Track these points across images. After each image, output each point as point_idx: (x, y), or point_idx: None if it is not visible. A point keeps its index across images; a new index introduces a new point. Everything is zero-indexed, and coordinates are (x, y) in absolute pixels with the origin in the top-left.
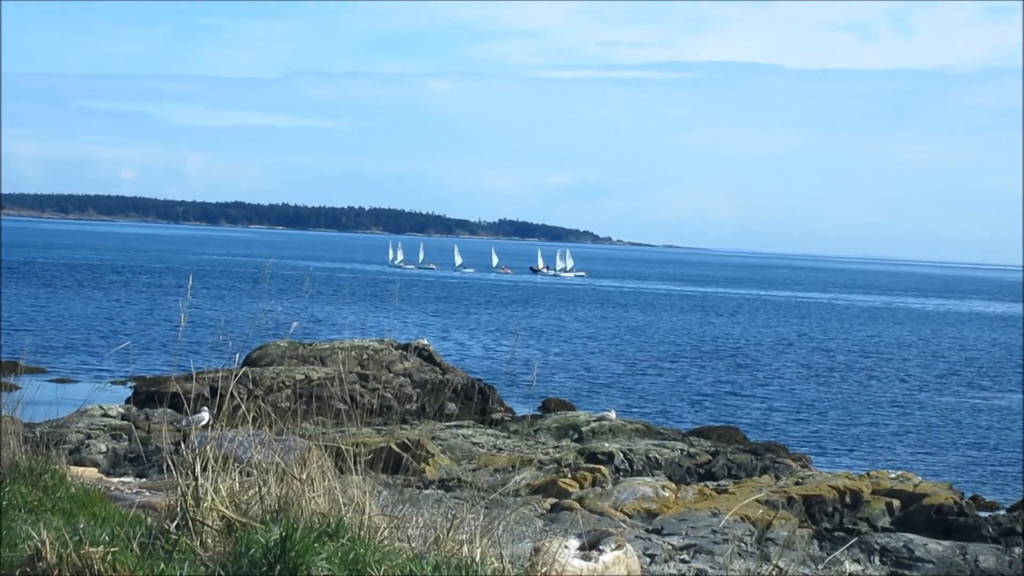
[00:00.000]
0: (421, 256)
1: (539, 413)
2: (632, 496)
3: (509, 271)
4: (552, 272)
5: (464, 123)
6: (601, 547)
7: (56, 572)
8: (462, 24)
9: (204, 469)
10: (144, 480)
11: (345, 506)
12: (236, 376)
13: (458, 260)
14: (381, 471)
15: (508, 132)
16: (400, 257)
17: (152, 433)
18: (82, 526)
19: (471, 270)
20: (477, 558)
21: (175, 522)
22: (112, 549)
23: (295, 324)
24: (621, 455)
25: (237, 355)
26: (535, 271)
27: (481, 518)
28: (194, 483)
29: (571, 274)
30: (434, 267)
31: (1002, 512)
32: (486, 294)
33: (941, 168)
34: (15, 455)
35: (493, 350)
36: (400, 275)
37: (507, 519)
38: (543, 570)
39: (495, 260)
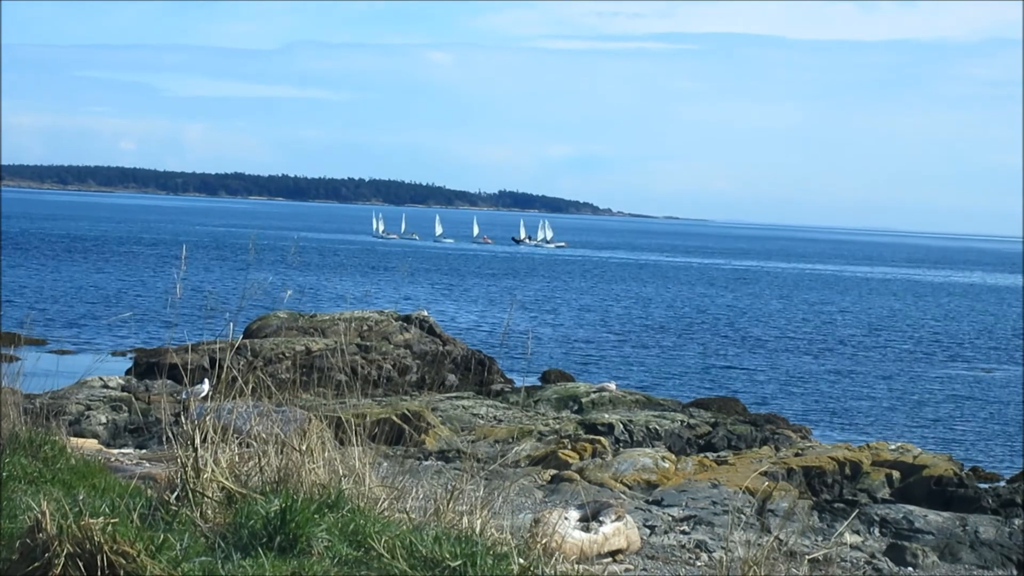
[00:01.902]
0: (403, 226)
1: (539, 384)
2: (632, 467)
3: (490, 241)
4: (534, 243)
5: (464, 94)
6: (601, 518)
7: (56, 543)
8: None
9: (204, 440)
10: (144, 451)
11: (345, 477)
12: (234, 347)
13: (438, 230)
14: (381, 442)
15: (508, 103)
16: (383, 227)
17: (152, 404)
18: (82, 497)
19: (451, 240)
20: (477, 529)
21: (175, 493)
22: (112, 520)
23: (288, 292)
24: (621, 426)
25: (232, 325)
26: (517, 241)
27: (481, 489)
28: (194, 454)
29: (552, 244)
30: (416, 237)
31: (1002, 483)
32: (474, 264)
33: (941, 140)
34: (15, 426)
35: (486, 321)
36: (384, 245)
37: (507, 490)
38: (543, 541)
39: (476, 230)
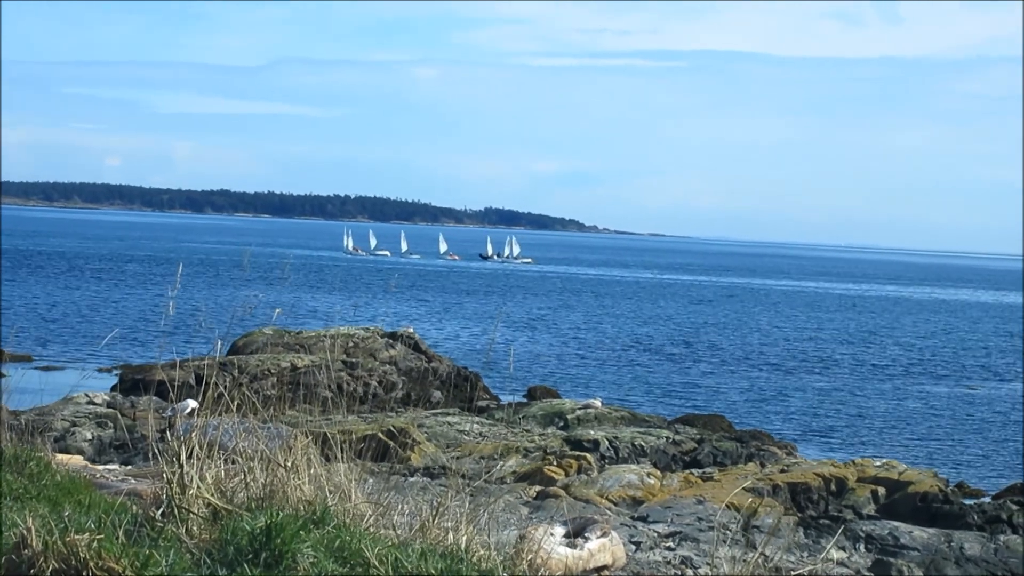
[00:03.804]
0: (373, 243)
1: (524, 401)
2: (617, 483)
3: (456, 257)
4: (501, 259)
5: (451, 111)
6: (586, 534)
7: (42, 559)
8: (448, 11)
9: (189, 457)
10: (130, 468)
11: (331, 493)
12: (218, 363)
13: (404, 246)
14: (367, 459)
15: (495, 120)
16: (352, 243)
17: (137, 421)
18: (68, 514)
19: (417, 256)
20: (463, 545)
21: (161, 510)
22: (98, 536)
23: (278, 311)
24: (607, 443)
25: (219, 343)
26: (484, 258)
27: (466, 505)
28: (179, 471)
29: (519, 261)
30: (386, 254)
31: (987, 499)
32: (447, 281)
33: (930, 156)
34: (0, 443)
35: (462, 337)
36: (352, 262)
37: (492, 506)
38: (528, 557)
39: (443, 247)
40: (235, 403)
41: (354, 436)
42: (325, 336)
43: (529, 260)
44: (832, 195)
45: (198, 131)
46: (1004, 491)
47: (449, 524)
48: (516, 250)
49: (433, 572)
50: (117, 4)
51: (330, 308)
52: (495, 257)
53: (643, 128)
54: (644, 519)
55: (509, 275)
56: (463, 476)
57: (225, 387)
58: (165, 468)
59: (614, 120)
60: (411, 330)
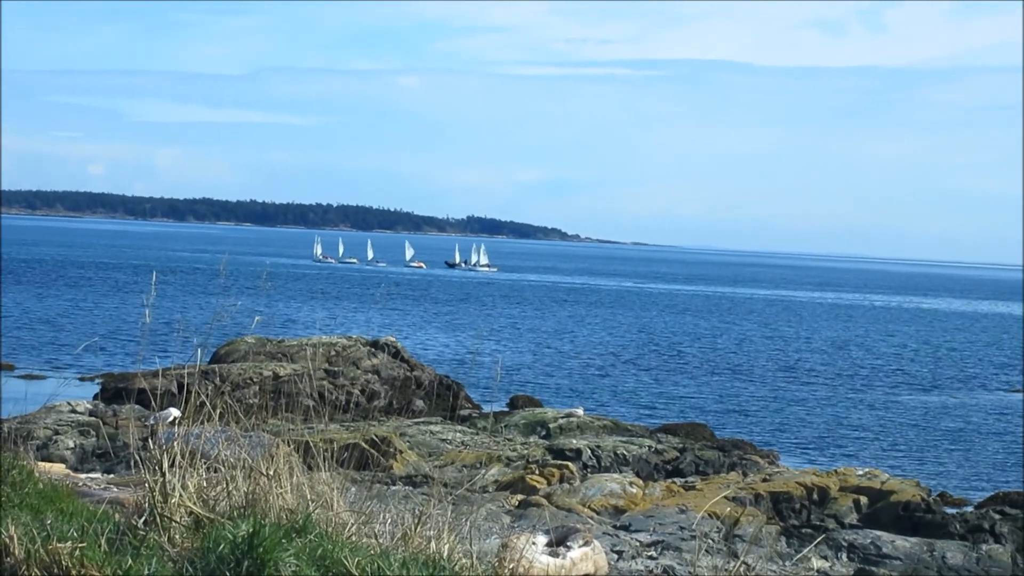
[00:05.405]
0: (341, 250)
1: (507, 410)
2: (600, 493)
3: (423, 265)
4: (467, 267)
5: (434, 120)
6: (568, 543)
7: (24, 568)
8: (431, 20)
9: (172, 465)
10: (112, 476)
11: (313, 502)
12: (199, 371)
13: (370, 254)
14: (349, 467)
15: (478, 129)
16: (320, 251)
17: (119, 429)
18: (50, 522)
19: (383, 264)
20: (444, 554)
21: (143, 518)
22: (80, 545)
23: (258, 318)
24: (589, 452)
25: (200, 351)
26: (451, 266)
27: (449, 514)
28: (162, 479)
29: (483, 269)
30: (354, 261)
31: (969, 509)
32: (419, 290)
33: (913, 165)
34: None
35: (437, 348)
36: (321, 269)
37: (475, 515)
38: (510, 566)
39: (409, 254)
40: (217, 411)
41: (336, 445)
42: (307, 345)
43: (495, 268)
44: (815, 204)
45: (181, 139)
46: (986, 500)
47: (431, 533)
48: (483, 259)
49: None
50: (99, 12)
51: (301, 315)
52: (462, 265)
53: (626, 137)
54: (626, 528)
55: (485, 284)
56: (445, 485)
57: (207, 395)
58: (147, 476)
59: (597, 129)
60: (393, 339)
